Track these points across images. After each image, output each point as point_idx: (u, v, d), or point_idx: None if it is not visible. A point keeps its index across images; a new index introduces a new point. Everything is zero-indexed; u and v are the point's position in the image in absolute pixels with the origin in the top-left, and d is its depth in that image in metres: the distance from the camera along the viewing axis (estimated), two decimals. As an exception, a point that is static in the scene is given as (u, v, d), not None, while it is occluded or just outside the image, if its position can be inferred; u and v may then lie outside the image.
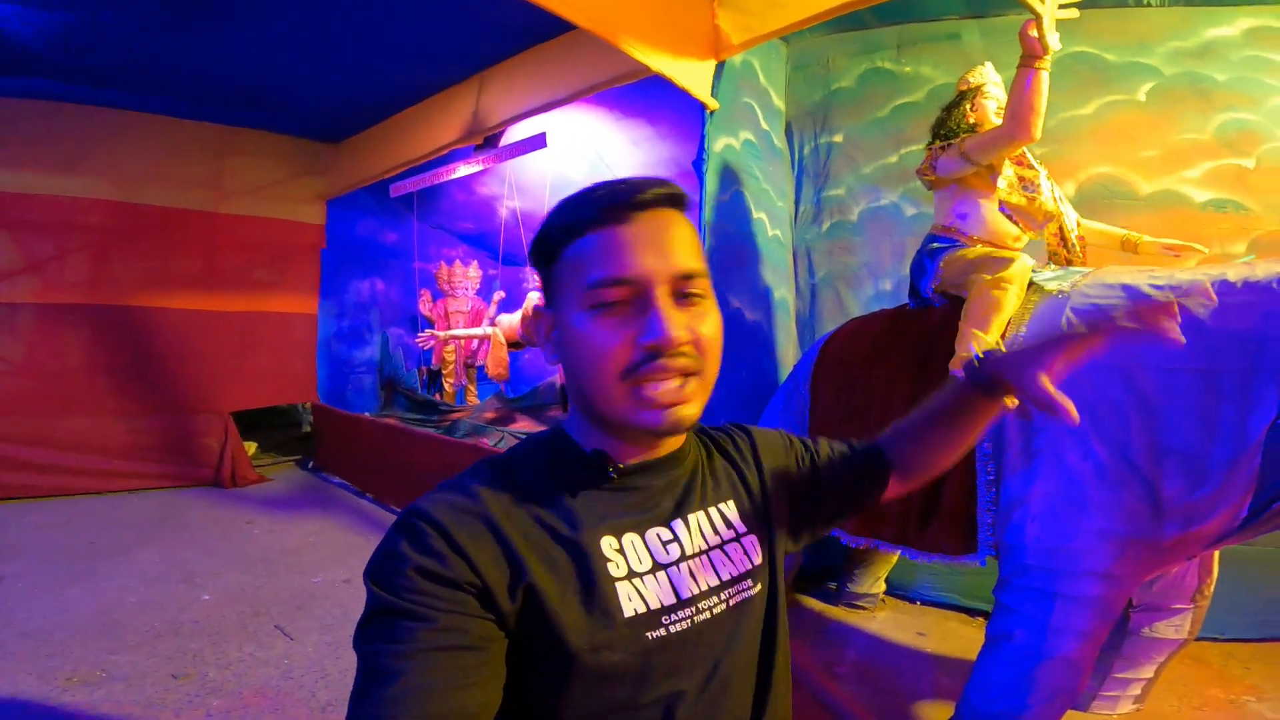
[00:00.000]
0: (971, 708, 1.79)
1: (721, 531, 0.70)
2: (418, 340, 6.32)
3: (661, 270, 0.59)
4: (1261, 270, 1.66)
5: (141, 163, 5.04)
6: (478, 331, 6.42)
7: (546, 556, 0.59)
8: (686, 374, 0.60)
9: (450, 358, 7.16)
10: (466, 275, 7.17)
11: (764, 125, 3.35)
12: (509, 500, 0.62)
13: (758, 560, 0.71)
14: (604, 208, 0.60)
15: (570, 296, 0.61)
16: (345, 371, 7.20)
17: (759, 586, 0.70)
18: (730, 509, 0.73)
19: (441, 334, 6.46)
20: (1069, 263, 2.25)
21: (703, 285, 0.62)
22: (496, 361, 6.03)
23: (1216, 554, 2.01)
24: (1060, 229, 2.28)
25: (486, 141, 4.72)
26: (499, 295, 6.61)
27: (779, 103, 3.60)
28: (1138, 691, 2.11)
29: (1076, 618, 1.70)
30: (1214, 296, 1.66)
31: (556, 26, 3.48)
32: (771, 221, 3.33)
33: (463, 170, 5.17)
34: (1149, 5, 3.00)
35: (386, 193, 5.91)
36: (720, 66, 2.90)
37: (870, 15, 3.29)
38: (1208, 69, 2.91)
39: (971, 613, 2.88)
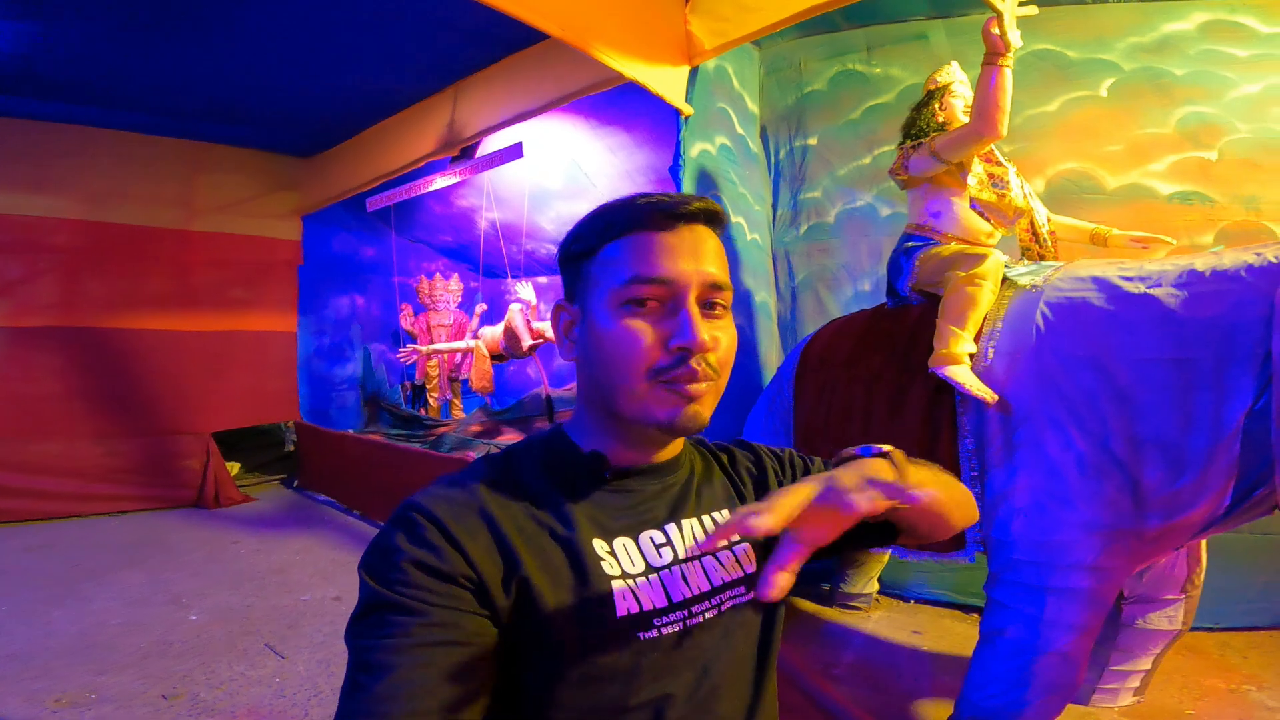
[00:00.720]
0: (971, 704, 1.80)
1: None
2: (400, 355, 6.28)
3: (695, 277, 0.62)
4: (1229, 259, 1.69)
5: (110, 180, 4.96)
6: (461, 345, 6.39)
7: (541, 553, 0.59)
8: (704, 380, 0.62)
9: (434, 372, 7.12)
10: (447, 288, 7.14)
11: (739, 130, 3.37)
12: (505, 496, 0.62)
13: (751, 568, 0.71)
14: (650, 214, 0.63)
15: (601, 293, 0.63)
16: (327, 389, 7.13)
17: (753, 594, 0.69)
18: (724, 517, 0.73)
19: (424, 348, 6.41)
20: (1041, 257, 2.28)
21: (727, 299, 0.65)
22: (480, 374, 6.00)
23: (1204, 543, 2.03)
24: (1031, 224, 2.32)
25: (463, 153, 4.71)
26: (481, 308, 6.58)
27: (753, 107, 3.63)
28: (1136, 683, 2.13)
29: (1067, 611, 1.71)
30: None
31: (531, 36, 3.48)
32: (750, 225, 3.35)
33: (440, 182, 5.16)
34: (1106, 1, 3.06)
35: (363, 207, 5.87)
36: (694, 72, 2.92)
37: (840, 17, 3.33)
38: (1166, 64, 2.97)
39: (965, 609, 2.89)
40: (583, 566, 0.60)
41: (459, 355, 6.81)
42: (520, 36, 3.54)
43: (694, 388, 0.61)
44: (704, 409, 0.63)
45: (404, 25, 3.53)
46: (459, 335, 6.89)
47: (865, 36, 3.46)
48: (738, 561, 0.71)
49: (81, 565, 3.73)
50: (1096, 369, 1.77)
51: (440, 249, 7.93)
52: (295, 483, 5.86)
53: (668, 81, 2.82)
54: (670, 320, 0.61)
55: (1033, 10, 1.96)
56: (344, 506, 5.07)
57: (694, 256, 0.62)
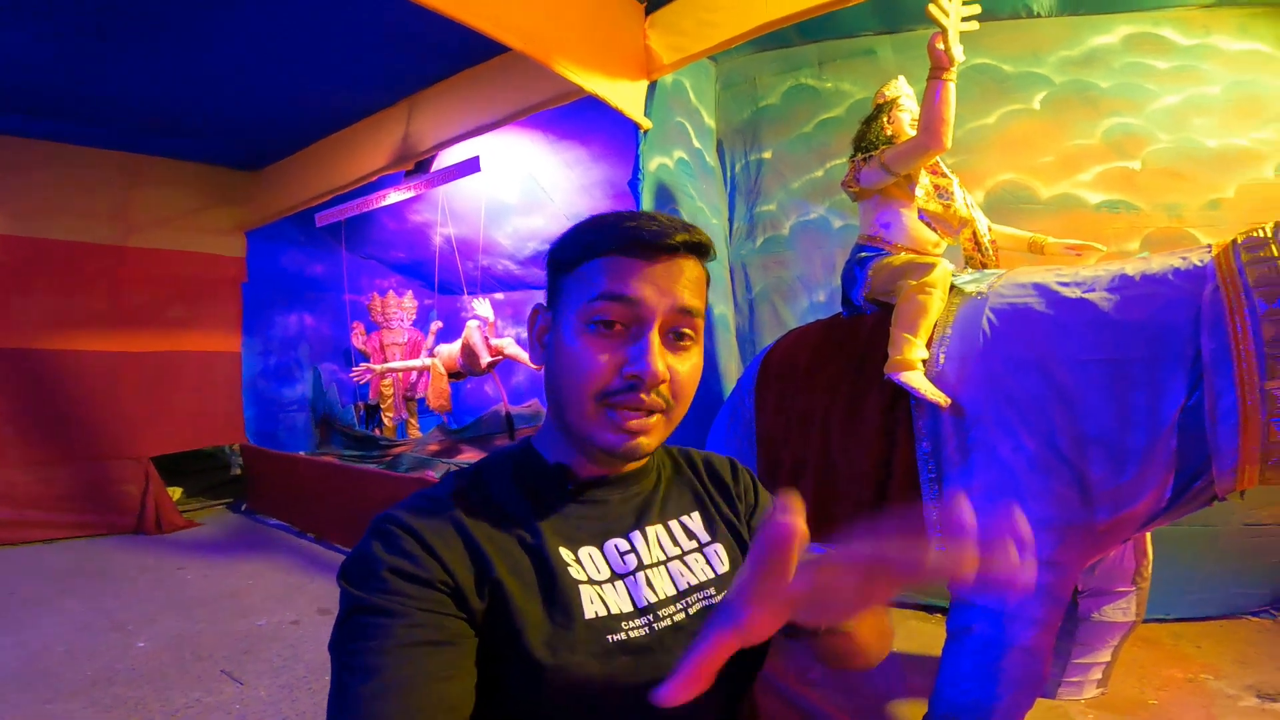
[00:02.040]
0: (945, 701, 1.82)
1: (682, 542, 0.72)
2: (353, 375, 6.12)
3: (663, 306, 0.62)
4: (1157, 264, 1.80)
5: (41, 194, 4.71)
6: (416, 363, 6.27)
7: (510, 559, 0.61)
8: (654, 411, 0.63)
9: (388, 391, 6.95)
10: (401, 306, 7.00)
11: (696, 143, 3.43)
12: (476, 507, 0.64)
13: (722, 569, 0.72)
14: (633, 240, 0.62)
15: (571, 307, 0.64)
16: (275, 410, 6.90)
17: (723, 595, 0.68)
18: (694, 520, 0.75)
19: (378, 367, 6.27)
20: (984, 266, 2.37)
21: (696, 326, 0.65)
22: (437, 393, 5.89)
23: (1149, 536, 2.14)
24: (974, 234, 2.41)
25: (418, 167, 4.65)
26: (436, 325, 6.48)
27: (710, 121, 3.70)
28: (1099, 675, 2.21)
29: (1028, 606, 1.75)
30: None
31: (489, 49, 3.47)
32: (706, 238, 3.38)
33: (393, 197, 5.08)
34: (1039, 16, 3.23)
35: (312, 223, 5.73)
36: (652, 86, 2.96)
37: (792, 33, 3.41)
38: (1093, 76, 3.15)
39: (929, 610, 2.94)
40: (550, 571, 0.62)
41: (414, 374, 6.68)
42: (478, 49, 3.53)
43: (637, 422, 0.62)
44: (649, 440, 0.64)
45: (356, 36, 3.46)
46: (414, 354, 6.76)
47: (817, 52, 3.56)
48: (708, 563, 0.72)
49: (17, 593, 3.55)
50: (1040, 371, 1.85)
51: (393, 265, 7.78)
52: (243, 507, 5.63)
53: (626, 96, 2.85)
54: (630, 347, 0.62)
55: (974, 25, 2.04)
56: (297, 530, 4.89)
57: (667, 287, 0.62)
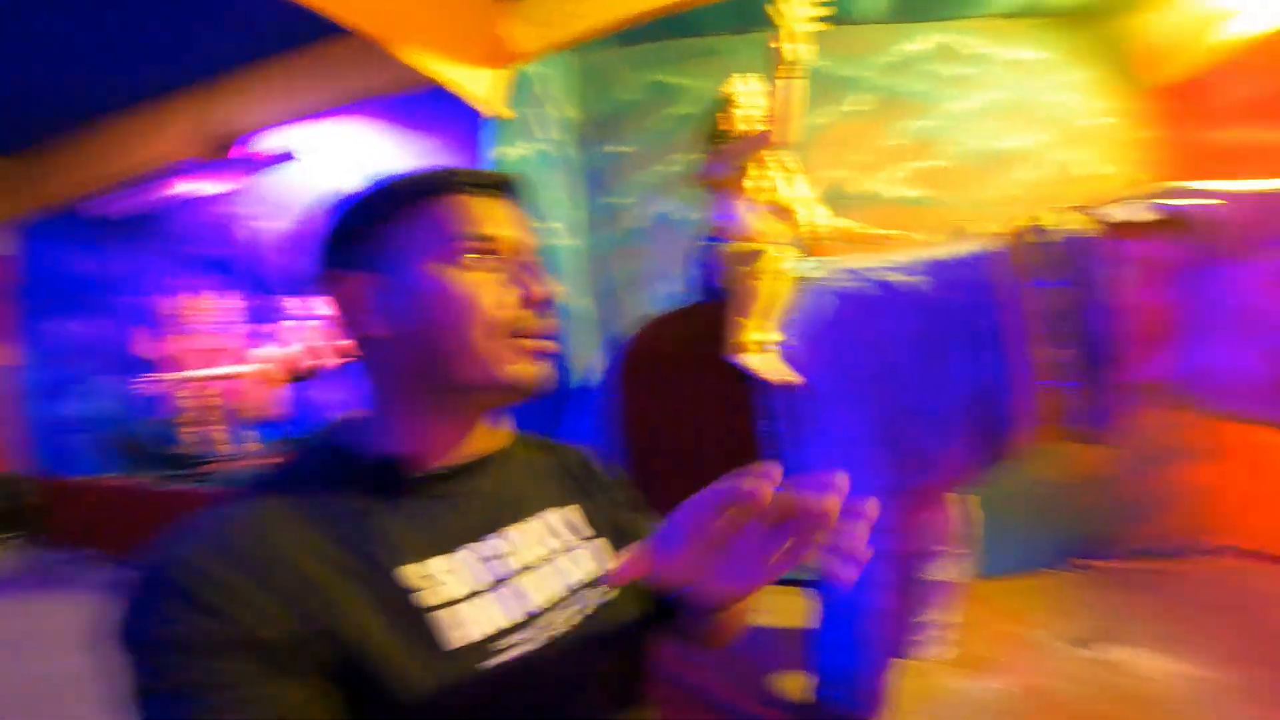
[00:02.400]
0: (825, 670, 1.98)
1: (564, 536, 0.66)
2: (155, 385, 5.38)
3: (525, 240, 0.64)
4: (963, 249, 2.06)
5: None
6: (233, 370, 5.67)
7: (347, 592, 0.50)
8: (550, 334, 0.62)
9: (199, 403, 6.18)
10: (210, 307, 6.23)
11: (556, 135, 3.42)
12: (290, 528, 0.52)
13: (609, 565, 0.67)
14: (478, 180, 0.62)
15: (425, 250, 0.59)
16: (64, 430, 5.99)
17: (617, 592, 0.65)
18: (575, 513, 0.69)
19: (186, 375, 5.57)
20: (820, 254, 2.57)
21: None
22: (257, 401, 5.42)
23: (973, 496, 2.40)
24: (811, 224, 2.61)
25: (234, 156, 4.16)
26: (254, 328, 5.85)
27: (571, 113, 3.70)
28: (944, 634, 2.41)
29: (879, 571, 1.94)
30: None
31: (320, 28, 3.16)
32: (566, 230, 3.38)
33: (198, 187, 4.50)
34: (861, 23, 3.58)
35: (101, 217, 4.94)
36: (514, 77, 2.89)
37: (653, 30, 3.45)
38: (906, 81, 3.58)
39: (797, 584, 3.13)
40: (400, 600, 0.52)
41: (229, 382, 6.02)
42: (306, 30, 3.20)
43: (549, 344, 0.61)
44: (550, 368, 0.62)
45: (154, 4, 3.00)
46: (228, 359, 6.07)
47: (675, 49, 3.70)
48: (596, 559, 0.67)
49: None
50: (872, 348, 2.04)
51: (199, 263, 6.88)
52: (37, 540, 4.95)
53: (481, 85, 2.75)
54: (515, 278, 0.61)
55: (814, 28, 2.19)
56: (106, 559, 4.37)
57: (517, 223, 0.64)
